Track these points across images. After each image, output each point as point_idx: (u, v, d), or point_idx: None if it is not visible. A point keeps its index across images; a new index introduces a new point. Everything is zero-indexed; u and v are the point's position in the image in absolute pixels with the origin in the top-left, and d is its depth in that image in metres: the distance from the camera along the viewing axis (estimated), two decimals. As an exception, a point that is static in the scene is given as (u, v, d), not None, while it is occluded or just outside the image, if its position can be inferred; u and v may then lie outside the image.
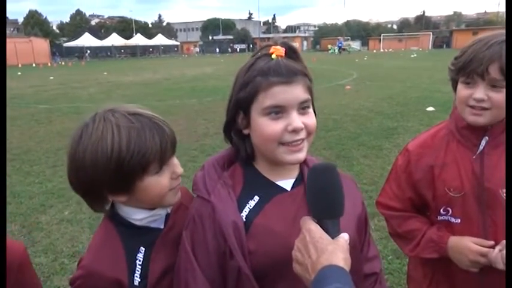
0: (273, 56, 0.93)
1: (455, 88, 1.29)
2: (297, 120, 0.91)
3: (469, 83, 1.20)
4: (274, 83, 0.90)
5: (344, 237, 0.77)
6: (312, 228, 0.77)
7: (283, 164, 0.96)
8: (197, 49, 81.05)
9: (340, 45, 55.25)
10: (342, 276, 0.68)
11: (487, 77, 1.15)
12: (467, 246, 1.23)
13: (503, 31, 1.18)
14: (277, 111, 0.91)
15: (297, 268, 0.77)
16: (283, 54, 0.93)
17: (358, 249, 1.03)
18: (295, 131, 0.91)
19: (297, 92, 0.91)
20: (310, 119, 0.94)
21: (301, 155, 0.94)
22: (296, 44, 1.02)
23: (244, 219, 0.93)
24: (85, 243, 3.44)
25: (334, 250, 0.72)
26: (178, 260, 0.97)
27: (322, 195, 0.79)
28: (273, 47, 0.94)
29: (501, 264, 1.17)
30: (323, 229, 0.77)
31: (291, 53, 0.96)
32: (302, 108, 0.93)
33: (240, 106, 0.96)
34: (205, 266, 0.93)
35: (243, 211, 0.95)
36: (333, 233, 0.77)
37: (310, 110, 0.95)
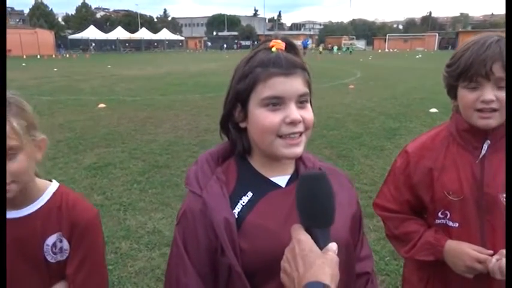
0: (273, 49, 0.93)
1: (452, 95, 1.27)
2: (295, 112, 0.90)
3: (474, 87, 1.18)
4: (274, 74, 0.90)
5: (332, 247, 0.74)
6: (302, 239, 0.74)
7: (280, 158, 0.95)
8: (209, 43, 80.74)
9: (306, 43, 48.76)
10: None
11: (492, 77, 1.13)
12: (466, 252, 1.21)
13: (492, 33, 1.19)
14: (276, 102, 0.90)
15: (284, 279, 0.75)
16: (283, 48, 0.94)
17: (351, 248, 1.02)
18: (293, 123, 0.90)
19: (296, 84, 0.91)
20: (308, 114, 0.93)
21: (298, 150, 0.93)
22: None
23: (237, 216, 0.92)
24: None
25: (321, 265, 0.70)
26: (170, 254, 0.97)
27: (311, 205, 0.76)
28: (274, 40, 0.95)
29: (498, 274, 1.14)
30: (312, 237, 0.75)
31: (290, 48, 0.96)
32: (300, 102, 0.92)
33: (238, 98, 0.95)
34: (197, 261, 0.92)
35: (236, 207, 0.93)
36: (322, 242, 0.74)
37: (308, 105, 0.95)
